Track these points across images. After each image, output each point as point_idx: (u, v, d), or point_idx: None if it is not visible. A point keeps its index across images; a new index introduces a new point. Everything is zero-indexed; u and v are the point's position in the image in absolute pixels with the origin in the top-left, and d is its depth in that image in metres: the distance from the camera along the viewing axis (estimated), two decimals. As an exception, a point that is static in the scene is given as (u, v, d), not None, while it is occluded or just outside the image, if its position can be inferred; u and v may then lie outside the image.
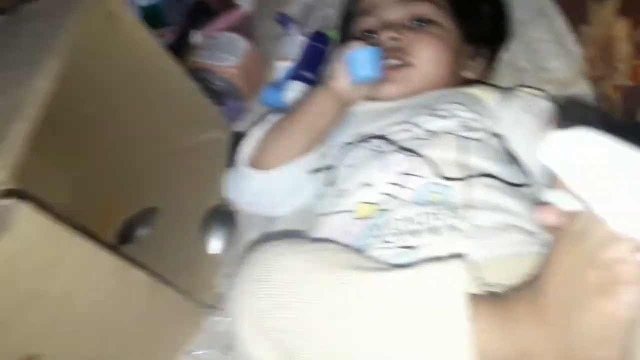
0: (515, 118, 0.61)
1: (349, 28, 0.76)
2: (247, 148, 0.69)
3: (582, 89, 0.71)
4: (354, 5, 0.77)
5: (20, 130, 0.54)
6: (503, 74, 0.79)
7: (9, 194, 0.49)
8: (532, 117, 0.61)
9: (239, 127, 0.93)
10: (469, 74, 0.73)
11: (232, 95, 0.97)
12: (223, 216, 0.80)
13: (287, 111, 0.70)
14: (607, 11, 0.63)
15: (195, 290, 0.75)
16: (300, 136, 0.67)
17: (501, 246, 0.49)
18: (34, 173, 0.96)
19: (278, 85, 0.94)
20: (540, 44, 0.78)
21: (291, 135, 0.67)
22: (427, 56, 0.67)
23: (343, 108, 0.67)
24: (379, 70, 0.65)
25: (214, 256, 0.80)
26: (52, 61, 0.61)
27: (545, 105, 0.62)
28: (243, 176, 0.68)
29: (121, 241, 0.89)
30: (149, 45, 0.78)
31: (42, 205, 0.50)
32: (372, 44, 0.66)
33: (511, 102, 0.63)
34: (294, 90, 0.88)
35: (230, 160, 0.89)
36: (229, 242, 0.80)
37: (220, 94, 0.96)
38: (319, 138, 0.68)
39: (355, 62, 0.64)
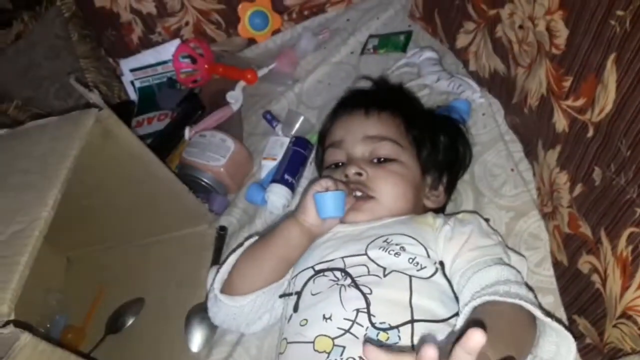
0: (443, 246, 0.69)
1: (323, 155, 0.85)
2: (221, 275, 0.76)
3: (535, 220, 0.77)
4: (327, 137, 0.86)
5: (19, 263, 0.60)
6: (466, 195, 0.85)
7: (8, 323, 0.55)
8: (452, 243, 0.68)
9: (224, 220, 1.00)
10: (430, 203, 0.81)
11: (218, 191, 1.04)
12: (205, 315, 0.85)
13: (260, 239, 0.77)
14: (551, 159, 0.70)
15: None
16: (271, 265, 0.73)
17: None
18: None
19: (262, 185, 1.01)
20: (498, 169, 0.84)
21: (262, 264, 0.73)
22: (387, 190, 0.76)
23: (310, 239, 0.75)
24: (344, 210, 0.73)
25: (194, 354, 0.86)
26: (53, 190, 0.67)
27: (466, 229, 0.69)
28: (216, 301, 0.75)
29: (110, 330, 0.95)
30: (143, 155, 0.86)
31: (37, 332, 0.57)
32: (339, 181, 0.74)
33: (440, 231, 0.71)
34: (276, 192, 0.96)
35: (215, 257, 0.97)
36: (209, 342, 0.86)
37: (207, 190, 1.03)
38: (288, 266, 0.75)
39: (324, 202, 0.71)
